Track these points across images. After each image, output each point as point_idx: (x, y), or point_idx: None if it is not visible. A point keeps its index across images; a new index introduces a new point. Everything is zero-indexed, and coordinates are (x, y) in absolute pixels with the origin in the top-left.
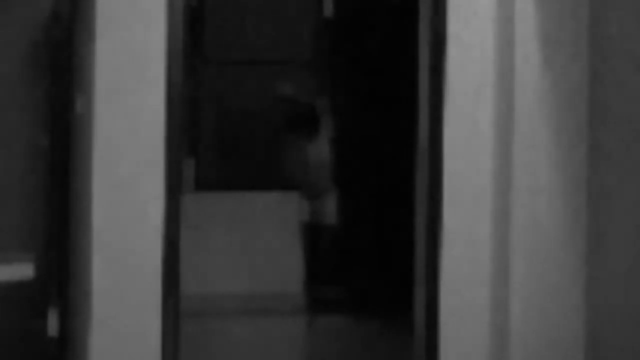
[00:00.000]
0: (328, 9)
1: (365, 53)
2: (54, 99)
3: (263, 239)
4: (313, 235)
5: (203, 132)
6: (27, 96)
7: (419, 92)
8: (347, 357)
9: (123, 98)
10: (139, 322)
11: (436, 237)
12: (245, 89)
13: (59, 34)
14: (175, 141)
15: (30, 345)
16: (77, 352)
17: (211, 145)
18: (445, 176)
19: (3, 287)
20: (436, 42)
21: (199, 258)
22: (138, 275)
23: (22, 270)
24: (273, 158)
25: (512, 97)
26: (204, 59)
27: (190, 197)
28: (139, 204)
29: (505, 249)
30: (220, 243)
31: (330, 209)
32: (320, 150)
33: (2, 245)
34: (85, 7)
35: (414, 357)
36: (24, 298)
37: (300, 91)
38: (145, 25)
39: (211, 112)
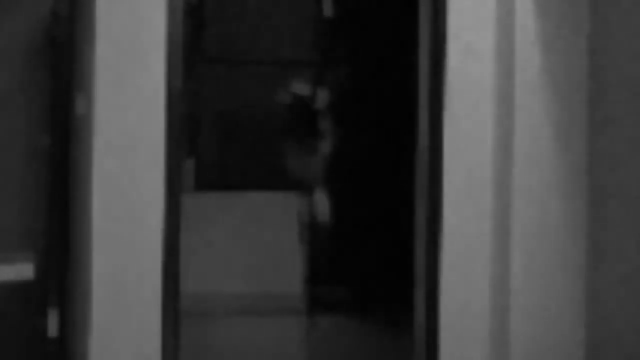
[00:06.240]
0: (328, 9)
1: (365, 53)
2: (54, 99)
3: (263, 239)
4: (313, 235)
5: (203, 132)
6: (27, 96)
7: (419, 92)
8: (347, 357)
9: (123, 98)
10: (139, 322)
11: (436, 237)
12: (245, 88)
13: (59, 34)
14: (175, 141)
15: (30, 345)
16: (77, 352)
17: (211, 145)
18: (445, 176)
19: (3, 287)
20: (436, 42)
21: (199, 258)
22: (138, 275)
23: (22, 270)
24: (273, 158)
25: (512, 97)
26: (204, 59)
27: (190, 197)
28: (139, 203)
29: (505, 249)
30: (220, 243)
31: (330, 209)
32: (320, 149)
33: (2, 245)
34: (85, 7)
35: (414, 357)
36: (24, 298)
37: (300, 90)
38: (145, 25)
39: (211, 112)
